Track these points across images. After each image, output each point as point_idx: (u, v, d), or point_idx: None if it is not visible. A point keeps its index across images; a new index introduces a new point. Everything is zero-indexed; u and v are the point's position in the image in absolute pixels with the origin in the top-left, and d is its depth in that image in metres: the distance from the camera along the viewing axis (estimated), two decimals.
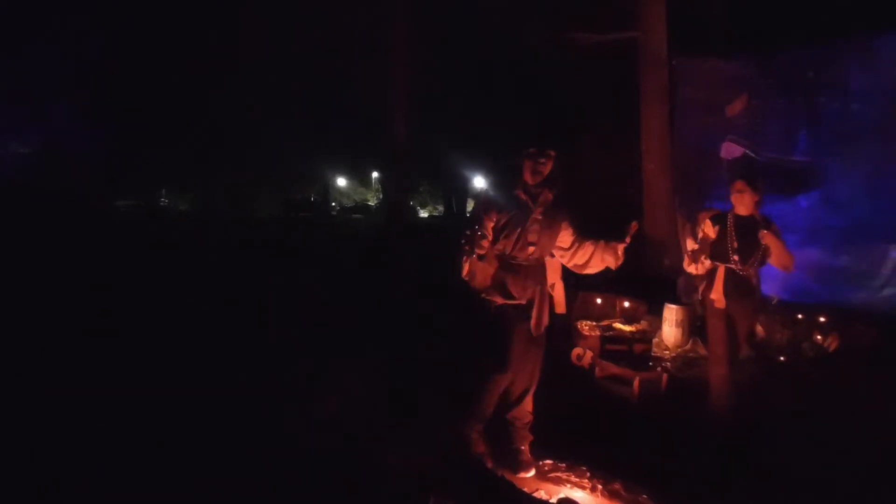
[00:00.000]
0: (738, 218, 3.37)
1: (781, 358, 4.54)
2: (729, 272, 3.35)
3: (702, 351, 4.65)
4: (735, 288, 3.34)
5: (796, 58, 6.56)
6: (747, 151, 6.79)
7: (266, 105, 21.01)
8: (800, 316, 4.82)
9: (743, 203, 3.34)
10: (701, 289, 3.55)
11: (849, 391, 3.91)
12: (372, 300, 6.12)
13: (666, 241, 7.17)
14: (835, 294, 5.98)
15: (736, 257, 3.32)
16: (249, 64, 19.08)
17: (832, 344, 4.59)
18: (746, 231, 3.31)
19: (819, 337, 4.65)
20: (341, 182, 34.51)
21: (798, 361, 4.50)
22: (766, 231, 3.27)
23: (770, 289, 5.72)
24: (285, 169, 25.99)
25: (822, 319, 4.76)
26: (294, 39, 15.32)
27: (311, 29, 13.86)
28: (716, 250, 3.40)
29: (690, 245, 5.19)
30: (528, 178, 2.80)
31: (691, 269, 3.56)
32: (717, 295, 3.37)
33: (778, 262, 3.34)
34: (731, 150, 6.84)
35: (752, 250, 3.31)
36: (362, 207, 30.85)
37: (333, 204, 32.30)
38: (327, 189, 32.04)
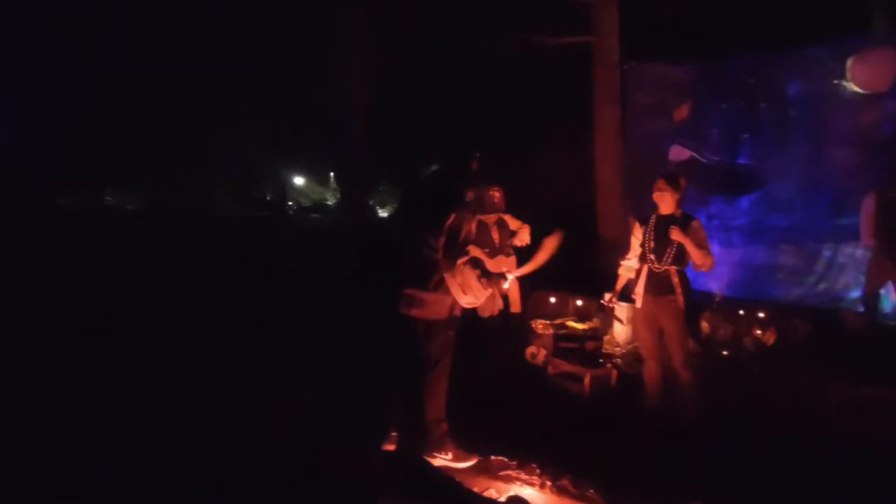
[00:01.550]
0: (659, 217, 3.41)
1: (724, 352, 4.72)
2: (650, 271, 3.39)
3: None
4: (655, 287, 3.37)
5: (738, 66, 6.89)
6: (694, 154, 7.07)
7: (220, 102, 20.38)
8: (741, 312, 5.03)
9: (664, 202, 3.37)
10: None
11: (785, 382, 4.12)
12: (323, 301, 6.00)
13: (618, 241, 7.35)
14: (774, 290, 6.31)
15: (652, 256, 3.37)
16: (202, 61, 18.44)
17: (770, 338, 4.81)
18: (665, 229, 3.33)
19: (759, 331, 4.85)
20: (299, 181, 33.84)
21: (740, 355, 4.69)
22: (675, 227, 3.27)
23: (715, 286, 5.99)
24: (240, 167, 25.28)
25: (761, 315, 4.97)
26: (250, 36, 14.92)
27: (267, 26, 13.53)
28: (641, 251, 3.46)
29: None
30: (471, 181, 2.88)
31: (620, 270, 3.64)
32: (636, 294, 3.45)
33: (693, 260, 3.31)
34: (678, 152, 7.11)
35: (665, 248, 3.33)
36: (320, 206, 30.31)
37: (290, 203, 31.60)
38: (284, 188, 31.35)
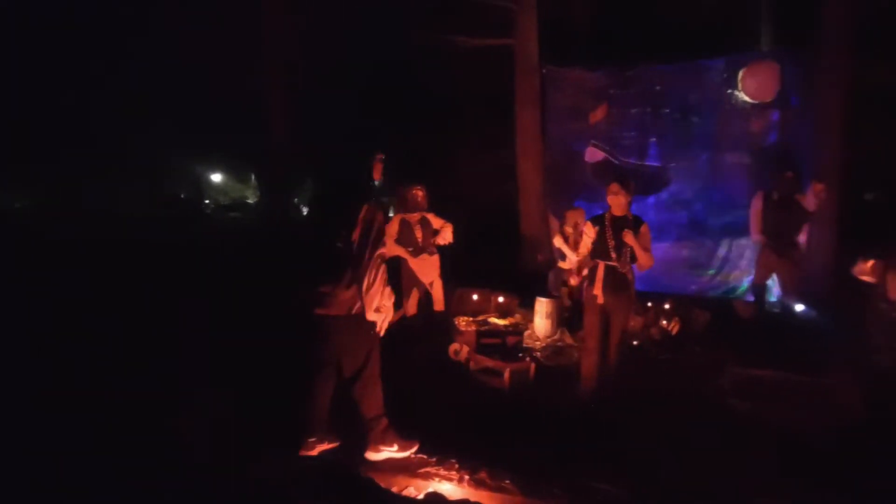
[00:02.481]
0: (614, 218, 3.61)
1: (634, 342, 5.00)
2: (608, 269, 3.59)
3: (568, 340, 4.98)
4: (614, 283, 3.59)
5: (646, 74, 7.34)
6: (607, 156, 7.45)
7: (125, 94, 18.84)
8: (649, 304, 5.34)
9: (618, 204, 3.59)
10: (584, 285, 3.79)
11: (687, 368, 4.43)
12: (236, 304, 5.71)
13: (538, 238, 7.61)
14: (678, 283, 6.79)
15: (614, 255, 3.58)
16: (105, 48, 16.95)
17: (675, 328, 5.15)
18: (621, 230, 3.56)
19: (664, 322, 5.19)
20: (216, 178, 32.09)
21: (648, 345, 4.99)
22: (628, 232, 3.53)
23: None
24: (147, 163, 23.53)
25: (666, 306, 5.31)
26: (160, 24, 13.95)
27: (179, 12, 12.72)
28: (596, 249, 3.65)
29: (558, 242, 5.57)
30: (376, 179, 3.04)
31: (569, 266, 3.80)
32: (597, 290, 3.62)
33: (639, 261, 3.59)
34: (593, 154, 7.46)
35: (623, 248, 3.57)
36: (240, 205, 28.90)
37: (207, 201, 29.88)
38: (200, 185, 29.60)
